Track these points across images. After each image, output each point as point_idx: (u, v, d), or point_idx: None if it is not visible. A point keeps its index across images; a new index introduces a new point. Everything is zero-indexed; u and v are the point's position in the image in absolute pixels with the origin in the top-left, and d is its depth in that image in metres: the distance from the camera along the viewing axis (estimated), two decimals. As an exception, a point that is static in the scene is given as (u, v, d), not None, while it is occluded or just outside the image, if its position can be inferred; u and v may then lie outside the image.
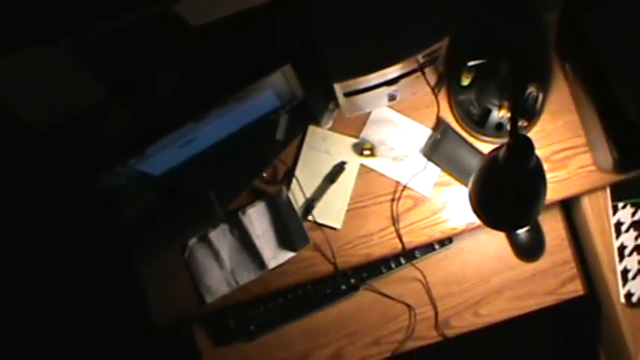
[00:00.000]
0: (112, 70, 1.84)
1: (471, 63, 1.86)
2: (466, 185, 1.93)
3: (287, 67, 1.72)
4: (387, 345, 2.28)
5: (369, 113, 2.06)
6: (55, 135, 1.91)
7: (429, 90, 1.92)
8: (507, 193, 1.51)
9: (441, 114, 2.04)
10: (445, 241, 2.24)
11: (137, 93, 1.92)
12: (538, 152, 1.38)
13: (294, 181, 2.05)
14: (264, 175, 2.07)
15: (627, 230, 2.08)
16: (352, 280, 2.23)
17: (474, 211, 1.64)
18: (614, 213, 2.09)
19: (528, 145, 1.36)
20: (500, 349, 2.92)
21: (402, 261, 2.23)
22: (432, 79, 1.91)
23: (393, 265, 2.23)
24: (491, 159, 1.47)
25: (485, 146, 2.03)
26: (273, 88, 1.79)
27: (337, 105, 1.92)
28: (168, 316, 2.08)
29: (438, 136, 2.02)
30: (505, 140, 1.39)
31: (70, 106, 1.86)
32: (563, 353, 2.96)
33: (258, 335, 2.25)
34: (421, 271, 2.23)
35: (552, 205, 2.14)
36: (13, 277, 3.11)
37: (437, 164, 2.03)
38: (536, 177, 1.47)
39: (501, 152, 1.41)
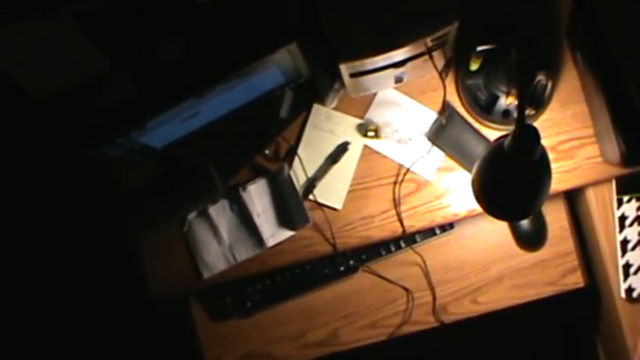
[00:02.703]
0: (115, 41, 1.82)
1: (480, 48, 1.83)
2: (469, 171, 1.94)
3: (293, 45, 1.68)
4: (384, 328, 2.27)
5: (375, 94, 2.03)
6: (56, 104, 1.89)
7: (436, 73, 1.90)
8: (511, 183, 1.50)
9: (448, 98, 2.01)
10: (446, 227, 2.21)
11: (140, 64, 1.90)
12: (544, 142, 1.37)
13: (296, 159, 2.04)
14: (267, 152, 2.05)
15: (631, 224, 2.06)
16: (351, 262, 2.22)
17: (476, 198, 1.62)
18: (619, 206, 2.07)
19: (534, 135, 1.34)
20: (498, 338, 2.91)
21: (402, 245, 2.21)
22: (440, 63, 1.88)
23: (392, 249, 2.21)
24: (496, 147, 1.46)
25: (491, 133, 2.00)
26: (278, 65, 1.77)
27: (343, 85, 1.90)
28: (164, 290, 2.08)
29: (444, 121, 2.00)
30: (511, 128, 1.37)
31: (71, 76, 1.83)
32: (560, 345, 2.95)
33: (254, 312, 2.24)
34: (421, 256, 2.22)
35: (556, 195, 2.14)
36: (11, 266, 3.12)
37: (441, 149, 2.01)
38: (540, 168, 1.45)
39: (507, 141, 1.40)
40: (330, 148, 2.05)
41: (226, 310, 2.24)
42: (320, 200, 2.03)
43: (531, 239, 2.24)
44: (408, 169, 2.02)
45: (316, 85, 1.98)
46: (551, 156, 1.48)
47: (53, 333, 3.16)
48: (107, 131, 1.71)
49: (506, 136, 1.42)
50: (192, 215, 2.08)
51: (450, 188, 2.03)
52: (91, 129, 1.86)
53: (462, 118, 2.01)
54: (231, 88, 1.77)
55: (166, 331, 2.97)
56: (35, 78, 1.80)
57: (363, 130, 2.02)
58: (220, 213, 2.07)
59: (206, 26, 1.87)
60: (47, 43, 1.72)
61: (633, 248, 2.06)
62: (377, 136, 2.02)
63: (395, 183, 2.03)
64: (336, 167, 2.03)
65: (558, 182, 1.97)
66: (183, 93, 1.69)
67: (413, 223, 2.03)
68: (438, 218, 2.03)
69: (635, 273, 2.05)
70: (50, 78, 1.82)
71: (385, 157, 2.04)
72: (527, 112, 1.92)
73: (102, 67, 1.82)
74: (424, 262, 2.24)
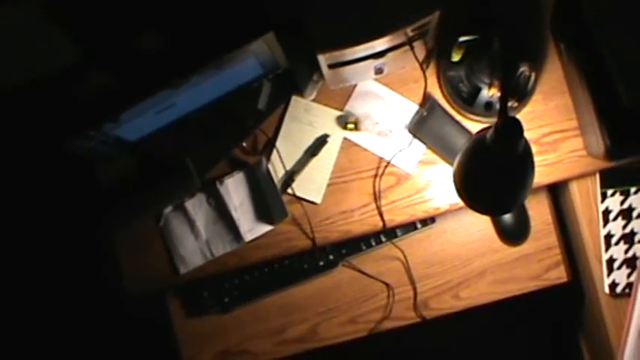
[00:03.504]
0: (87, 30, 1.79)
1: (462, 38, 1.81)
2: (451, 164, 1.91)
3: (270, 35, 1.66)
4: (364, 324, 2.25)
5: (355, 86, 2.01)
6: (25, 95, 1.86)
7: (417, 64, 1.87)
8: (493, 177, 1.48)
9: (429, 90, 1.99)
10: (428, 221, 2.19)
11: (114, 55, 1.87)
12: (527, 134, 1.35)
13: (274, 152, 2.01)
14: (244, 144, 2.03)
15: (615, 218, 2.04)
16: (330, 256, 2.20)
17: (458, 192, 1.60)
18: (603, 200, 2.04)
19: (517, 127, 1.32)
20: (479, 333, 2.90)
21: (383, 239, 2.19)
22: (421, 54, 1.86)
23: (373, 243, 2.19)
24: (478, 140, 1.44)
25: (474, 125, 1.98)
26: (255, 56, 1.74)
27: (322, 76, 1.87)
28: (140, 285, 2.05)
29: (425, 113, 1.97)
30: (494, 120, 1.35)
31: (39, 67, 1.81)
32: (542, 340, 2.94)
33: (232, 308, 2.22)
34: (402, 251, 2.20)
35: (539, 189, 2.12)
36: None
37: (422, 141, 1.99)
38: (523, 161, 1.43)
39: (489, 134, 1.37)
40: (309, 141, 2.02)
41: (204, 306, 2.23)
42: (299, 194, 2.00)
43: (514, 233, 2.22)
44: (388, 162, 2.00)
45: (295, 77, 1.95)
46: (534, 149, 1.48)
47: (26, 329, 3.13)
48: (79, 123, 1.68)
49: (488, 128, 1.39)
50: (168, 209, 2.05)
51: (431, 182, 2.00)
52: (63, 121, 1.82)
53: (444, 110, 1.99)
54: (208, 79, 1.75)
55: (143, 328, 2.95)
56: (1, 68, 1.77)
57: (343, 122, 2.00)
58: (197, 207, 2.05)
59: (182, 15, 1.85)
60: (13, 32, 1.68)
61: (617, 243, 2.04)
62: (357, 128, 1.99)
63: (375, 176, 2.01)
64: (315, 160, 2.00)
65: (541, 175, 1.95)
66: (158, 84, 1.66)
67: (393, 217, 2.00)
68: (419, 212, 2.00)
69: (619, 268, 2.03)
70: (17, 69, 1.80)
71: (365, 150, 2.01)
72: (509, 104, 1.90)
73: (72, 58, 1.79)
74: (405, 256, 2.22)
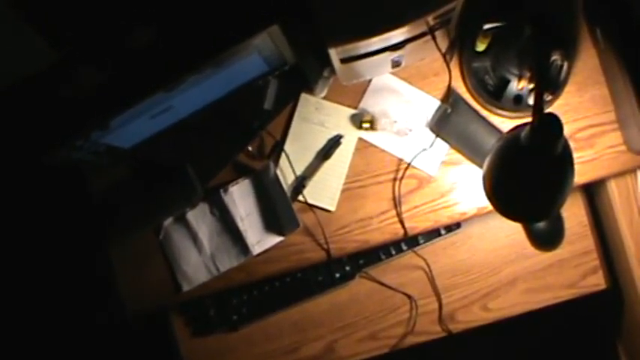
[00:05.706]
0: (66, 27, 1.72)
1: (487, 26, 1.72)
2: (478, 165, 1.88)
3: (274, 28, 1.56)
4: (385, 340, 2.19)
5: (370, 81, 1.94)
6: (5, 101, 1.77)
7: (438, 56, 1.79)
8: (528, 180, 1.39)
9: (452, 83, 1.91)
10: (452, 227, 2.11)
11: (99, 54, 1.79)
12: None
13: (283, 156, 1.95)
14: (250, 148, 1.96)
15: (659, 219, 1.97)
16: (347, 268, 2.13)
17: (488, 197, 1.50)
18: (645, 199, 1.97)
19: (556, 125, 1.24)
20: (509, 344, 2.82)
21: (404, 247, 2.12)
22: (443, 44, 1.76)
23: (393, 252, 2.12)
24: (511, 139, 1.36)
25: (501, 121, 1.91)
26: (259, 51, 1.65)
27: (333, 71, 1.79)
28: (141, 304, 2.01)
29: (448, 109, 1.89)
30: (524, 115, 1.25)
31: (13, 72, 1.75)
32: (579, 350, 2.86)
33: (241, 326, 2.17)
34: (425, 259, 2.13)
35: (574, 188, 2.04)
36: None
37: (445, 140, 1.91)
38: (562, 162, 1.34)
39: (524, 132, 1.29)
40: (320, 143, 1.95)
41: (210, 325, 2.17)
42: (311, 201, 1.93)
43: (547, 238, 2.15)
44: (408, 164, 1.92)
45: (303, 73, 1.89)
46: (569, 145, 1.40)
47: (27, 352, 3.09)
48: (64, 132, 1.59)
49: (521, 126, 1.33)
50: (168, 221, 1.99)
51: (456, 184, 1.93)
52: (46, 129, 1.73)
53: (469, 105, 1.91)
54: (207, 78, 1.67)
55: (146, 349, 2.92)
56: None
57: (358, 121, 1.93)
58: (200, 218, 1.98)
59: (176, 7, 1.77)
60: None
61: (662, 246, 1.98)
62: (373, 127, 1.92)
63: (394, 180, 1.93)
64: (327, 164, 1.93)
65: (577, 174, 1.80)
66: (149, 87, 1.58)
67: (415, 224, 1.93)
68: (444, 218, 1.94)
69: (665, 273, 1.96)
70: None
71: (383, 151, 1.94)
72: (542, 97, 1.80)
73: (48, 60, 1.73)
74: (428, 265, 2.15)
